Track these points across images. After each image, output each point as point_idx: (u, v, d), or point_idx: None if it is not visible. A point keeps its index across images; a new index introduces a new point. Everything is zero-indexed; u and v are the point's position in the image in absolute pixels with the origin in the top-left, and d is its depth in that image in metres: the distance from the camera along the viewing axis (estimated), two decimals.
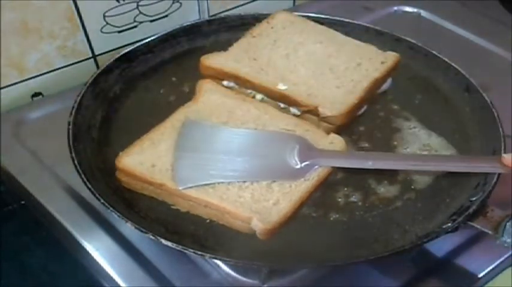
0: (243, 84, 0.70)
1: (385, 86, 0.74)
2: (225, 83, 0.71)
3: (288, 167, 0.60)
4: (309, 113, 0.67)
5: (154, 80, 0.75)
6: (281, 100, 0.69)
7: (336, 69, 0.71)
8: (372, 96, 0.72)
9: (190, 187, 0.58)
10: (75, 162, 0.60)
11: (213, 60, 0.71)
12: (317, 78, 0.70)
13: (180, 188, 0.58)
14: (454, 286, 0.61)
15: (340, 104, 0.67)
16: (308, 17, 0.79)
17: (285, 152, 0.61)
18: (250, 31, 0.76)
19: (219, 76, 0.71)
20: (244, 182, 0.59)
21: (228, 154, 0.61)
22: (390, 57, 0.73)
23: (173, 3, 0.88)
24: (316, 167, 0.61)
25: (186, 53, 0.79)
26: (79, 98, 0.67)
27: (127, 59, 0.75)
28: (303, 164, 0.60)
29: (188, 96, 0.70)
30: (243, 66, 0.71)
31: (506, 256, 0.63)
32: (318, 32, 0.76)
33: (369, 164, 0.61)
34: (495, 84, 0.75)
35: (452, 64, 0.74)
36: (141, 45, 0.76)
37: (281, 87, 0.68)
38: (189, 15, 0.91)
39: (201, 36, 0.80)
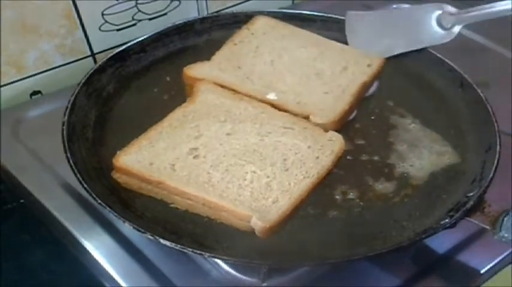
0: None
1: (371, 90, 0.73)
2: None
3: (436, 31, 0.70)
4: None
5: (148, 79, 0.75)
6: None
7: (322, 75, 0.71)
8: (361, 101, 0.71)
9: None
10: (71, 162, 0.60)
11: (196, 71, 0.70)
12: (304, 85, 0.69)
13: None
14: (455, 283, 0.61)
15: (330, 111, 0.66)
16: (302, 14, 0.79)
17: (430, 18, 0.71)
18: (231, 38, 0.75)
19: None
20: (245, 180, 0.59)
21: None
22: (376, 60, 0.73)
23: (172, 1, 0.88)
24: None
25: (179, 51, 0.78)
26: (72, 97, 0.67)
27: (120, 58, 0.74)
28: (450, 25, 0.69)
29: (182, 94, 0.70)
30: (228, 76, 0.70)
31: (506, 253, 0.62)
32: (300, 36, 0.76)
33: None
34: (495, 83, 0.76)
35: (446, 60, 0.74)
36: (134, 44, 0.76)
37: (270, 97, 0.68)
38: (188, 13, 0.90)
39: (193, 34, 0.80)
